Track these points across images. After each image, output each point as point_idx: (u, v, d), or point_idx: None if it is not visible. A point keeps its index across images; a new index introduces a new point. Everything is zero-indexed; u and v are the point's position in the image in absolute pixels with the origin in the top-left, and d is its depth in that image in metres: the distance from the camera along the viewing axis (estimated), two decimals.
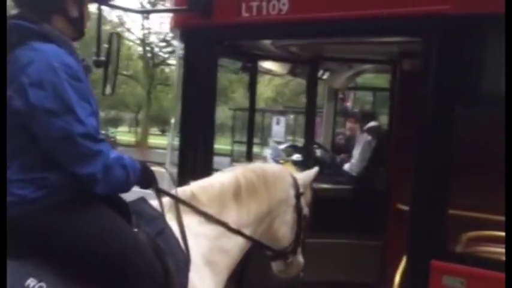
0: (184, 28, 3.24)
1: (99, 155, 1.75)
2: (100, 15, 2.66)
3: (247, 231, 2.38)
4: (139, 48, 25.96)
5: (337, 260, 4.27)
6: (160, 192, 2.16)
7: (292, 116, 16.91)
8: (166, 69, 26.95)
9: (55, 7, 1.87)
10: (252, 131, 3.95)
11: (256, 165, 2.57)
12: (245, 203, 2.36)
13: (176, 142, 3.57)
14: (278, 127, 15.11)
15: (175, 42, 3.36)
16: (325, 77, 5.03)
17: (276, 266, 2.74)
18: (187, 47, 3.22)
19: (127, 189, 1.91)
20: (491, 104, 2.49)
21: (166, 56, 24.20)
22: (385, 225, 4.23)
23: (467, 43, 2.45)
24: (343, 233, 4.32)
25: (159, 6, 16.95)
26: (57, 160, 1.74)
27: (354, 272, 4.26)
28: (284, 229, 2.58)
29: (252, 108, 4.00)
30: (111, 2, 2.88)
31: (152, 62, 24.42)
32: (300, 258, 2.77)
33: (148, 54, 24.79)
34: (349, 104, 6.14)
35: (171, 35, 19.97)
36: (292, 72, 4.63)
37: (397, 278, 2.79)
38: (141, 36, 24.77)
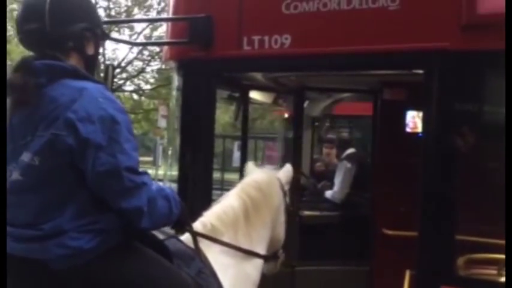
0: (182, 60, 3.26)
1: (143, 187, 1.73)
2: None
3: (261, 250, 2.42)
4: None
5: (327, 287, 4.30)
6: (194, 233, 2.15)
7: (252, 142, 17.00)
8: (121, 96, 26.60)
9: (75, 45, 1.85)
10: (244, 157, 3.99)
11: (250, 180, 2.57)
12: (254, 221, 2.40)
13: (173, 173, 3.54)
14: (239, 153, 15.13)
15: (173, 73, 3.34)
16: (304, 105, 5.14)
17: (267, 266, 2.65)
18: (185, 79, 3.23)
19: (170, 222, 1.91)
20: (489, 133, 2.65)
21: (121, 82, 23.94)
22: (372, 251, 4.33)
23: (466, 77, 2.60)
24: (331, 259, 4.37)
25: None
26: (102, 197, 1.70)
27: None
28: (282, 230, 2.63)
29: (244, 137, 4.04)
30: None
31: (111, 88, 24.05)
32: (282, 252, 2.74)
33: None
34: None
35: (126, 61, 19.95)
36: (276, 102, 4.71)
37: None
38: None
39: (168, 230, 2.13)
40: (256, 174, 2.62)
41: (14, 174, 1.73)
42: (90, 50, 1.90)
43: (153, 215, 1.74)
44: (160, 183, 2.07)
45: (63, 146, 1.66)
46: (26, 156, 1.71)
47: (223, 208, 2.39)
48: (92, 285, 1.70)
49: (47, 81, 1.73)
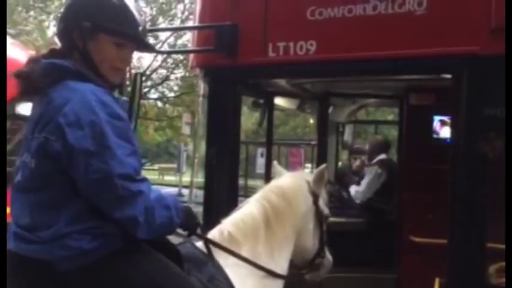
0: (208, 67, 3.29)
1: (139, 195, 1.64)
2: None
3: (284, 261, 2.34)
4: None
5: None
6: (206, 239, 2.10)
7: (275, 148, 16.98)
8: (146, 103, 26.97)
9: (76, 42, 1.77)
10: (269, 164, 3.98)
11: (273, 185, 2.49)
12: (275, 230, 2.31)
13: (199, 179, 3.56)
14: (262, 159, 15.15)
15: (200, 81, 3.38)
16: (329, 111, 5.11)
17: (309, 275, 2.60)
18: (211, 86, 3.27)
19: (171, 231, 1.85)
20: None
21: (146, 90, 24.31)
22: (399, 258, 4.26)
23: (495, 81, 2.55)
24: (357, 267, 4.32)
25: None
26: (96, 205, 1.65)
27: None
28: (310, 238, 2.48)
29: (269, 143, 4.05)
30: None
31: (139, 95, 24.41)
32: (329, 257, 2.65)
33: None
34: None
35: (151, 69, 20.25)
36: (300, 108, 4.71)
37: None
38: None
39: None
40: (281, 178, 2.53)
41: (19, 174, 1.73)
42: (81, 45, 1.77)
43: (151, 225, 1.66)
44: (165, 190, 2.01)
45: (52, 151, 1.62)
46: (26, 157, 1.71)
47: (242, 216, 2.30)
48: (97, 287, 1.68)
49: (52, 82, 1.69)
